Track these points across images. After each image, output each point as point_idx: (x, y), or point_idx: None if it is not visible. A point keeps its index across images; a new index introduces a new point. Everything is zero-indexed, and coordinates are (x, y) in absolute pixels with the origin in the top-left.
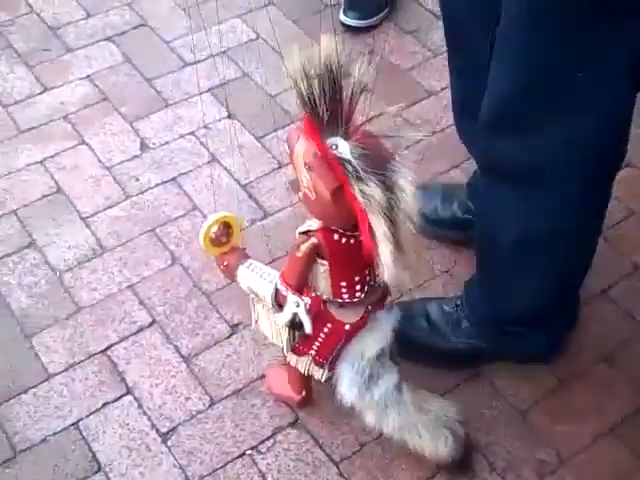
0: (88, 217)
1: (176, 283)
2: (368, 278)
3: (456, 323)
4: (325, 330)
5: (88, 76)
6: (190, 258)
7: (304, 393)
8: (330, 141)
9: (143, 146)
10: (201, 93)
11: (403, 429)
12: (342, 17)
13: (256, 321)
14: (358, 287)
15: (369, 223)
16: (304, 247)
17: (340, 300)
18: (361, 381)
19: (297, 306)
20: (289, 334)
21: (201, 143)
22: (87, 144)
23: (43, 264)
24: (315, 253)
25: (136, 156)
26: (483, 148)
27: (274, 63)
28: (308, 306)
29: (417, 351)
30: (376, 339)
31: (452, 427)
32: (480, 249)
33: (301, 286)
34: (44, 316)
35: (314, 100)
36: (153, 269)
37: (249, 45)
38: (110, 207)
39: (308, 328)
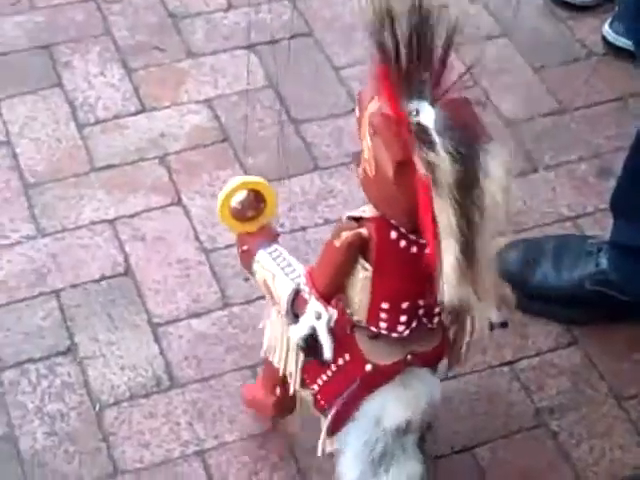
0: (161, 325)
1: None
2: (421, 311)
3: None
4: (340, 362)
5: (208, 99)
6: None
7: (278, 392)
8: (412, 105)
9: None
10: None
11: None
12: (606, 30)
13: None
14: (403, 318)
15: (434, 214)
16: (346, 235)
17: (375, 329)
18: (368, 458)
19: (318, 318)
20: (300, 362)
21: None
22: (184, 206)
23: (80, 386)
24: (359, 249)
25: None
26: None
27: None
28: (333, 322)
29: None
30: (403, 404)
31: None
32: None
33: (331, 291)
34: (61, 472)
35: (397, 46)
36: (241, 432)
37: None
38: (198, 315)
39: (327, 352)
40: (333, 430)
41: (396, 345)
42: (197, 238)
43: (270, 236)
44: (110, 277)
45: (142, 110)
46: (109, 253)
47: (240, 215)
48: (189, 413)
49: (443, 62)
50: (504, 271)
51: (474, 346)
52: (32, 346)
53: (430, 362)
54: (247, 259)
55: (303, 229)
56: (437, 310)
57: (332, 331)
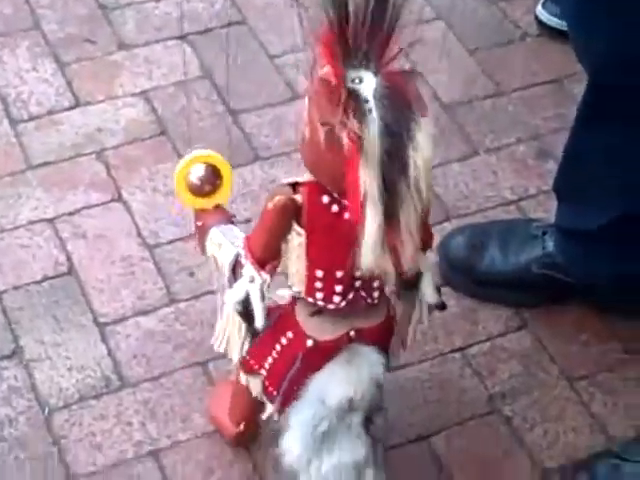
0: (108, 324)
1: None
2: (358, 283)
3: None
4: (283, 341)
5: (144, 92)
6: None
7: (242, 427)
8: (354, 73)
9: None
10: None
11: None
12: (539, 10)
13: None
14: (339, 288)
15: (359, 181)
16: (277, 199)
17: (311, 299)
18: (312, 436)
19: (251, 282)
20: (241, 331)
21: None
22: (125, 202)
23: (27, 390)
24: (293, 214)
25: None
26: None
27: None
28: (266, 286)
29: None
30: (345, 382)
31: None
32: None
33: (266, 256)
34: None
35: (348, 11)
36: (194, 430)
37: None
38: (144, 313)
39: (259, 318)
40: (281, 408)
41: (337, 321)
42: (139, 234)
43: (225, 215)
44: (53, 277)
45: (76, 105)
46: (50, 253)
47: (198, 190)
48: (141, 413)
49: (388, 34)
50: (450, 257)
51: (422, 334)
52: None
53: (375, 339)
54: (201, 234)
55: (247, 221)
56: (376, 285)
57: (265, 299)
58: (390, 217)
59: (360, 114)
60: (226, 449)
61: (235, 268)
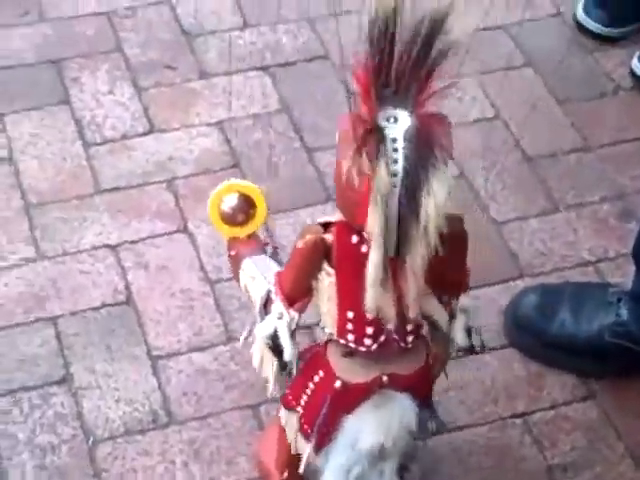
0: (161, 358)
1: None
2: (390, 326)
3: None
4: (315, 379)
5: (220, 122)
6: None
7: (285, 475)
8: (390, 111)
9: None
10: None
11: None
12: (635, 63)
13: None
14: (370, 330)
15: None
16: (307, 237)
17: (343, 341)
18: None
19: (280, 318)
20: (273, 365)
21: None
22: (190, 234)
23: (73, 418)
24: (322, 253)
25: None
26: None
27: None
28: (294, 324)
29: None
30: (377, 428)
31: None
32: None
33: (295, 293)
34: None
35: (393, 49)
36: (239, 475)
37: None
38: (199, 349)
39: (288, 354)
40: (317, 448)
41: (369, 364)
42: (202, 268)
43: (258, 245)
44: (110, 305)
45: (151, 131)
46: (111, 280)
47: (230, 219)
48: (185, 452)
49: (430, 74)
50: (519, 316)
51: (484, 394)
52: (26, 374)
53: (409, 386)
54: (235, 264)
55: None
56: (410, 329)
57: (296, 340)
58: (396, 257)
59: (379, 152)
60: None
61: (267, 303)
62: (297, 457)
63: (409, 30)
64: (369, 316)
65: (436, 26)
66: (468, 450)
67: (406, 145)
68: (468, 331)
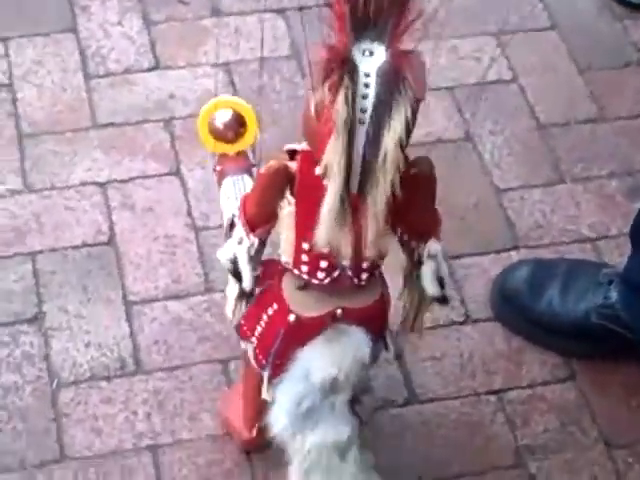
0: (136, 303)
1: None
2: (345, 262)
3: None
4: (269, 311)
5: (226, 63)
6: None
7: (254, 433)
8: (365, 45)
9: None
10: None
11: None
12: None
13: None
14: (324, 264)
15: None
16: (270, 164)
17: (297, 271)
18: (296, 412)
19: (239, 243)
20: (234, 291)
21: None
22: (182, 177)
23: (40, 360)
24: (284, 180)
25: None
26: None
27: None
28: (253, 250)
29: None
30: (328, 360)
31: None
32: None
33: (257, 219)
34: (4, 450)
35: None
36: (200, 431)
37: None
38: (176, 298)
39: (246, 280)
40: (271, 379)
41: (323, 298)
42: (189, 213)
43: (245, 164)
44: (91, 245)
45: (155, 67)
46: (94, 219)
47: (221, 135)
48: (149, 403)
49: (406, 5)
50: (507, 289)
51: (460, 368)
52: None
53: (363, 321)
54: (219, 180)
55: None
56: (365, 266)
57: (256, 264)
58: (359, 194)
59: (342, 83)
60: (227, 457)
61: (232, 226)
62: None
63: None
64: (324, 250)
65: None
66: (437, 423)
67: (377, 81)
68: (440, 281)
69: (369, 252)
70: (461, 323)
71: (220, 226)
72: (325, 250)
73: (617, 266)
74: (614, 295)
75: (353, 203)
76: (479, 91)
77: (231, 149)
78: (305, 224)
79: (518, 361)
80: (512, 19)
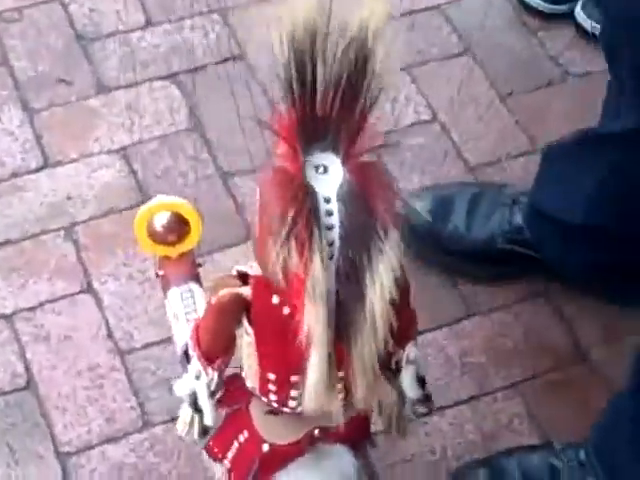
0: (70, 455)
1: None
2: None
3: None
4: (240, 438)
5: (123, 148)
6: None
7: None
8: (317, 158)
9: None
10: None
11: None
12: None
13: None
14: (294, 393)
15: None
16: (222, 293)
17: (266, 400)
18: None
19: (197, 378)
20: (194, 423)
21: None
22: (95, 294)
23: None
24: (239, 310)
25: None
26: None
27: None
28: (214, 384)
29: None
30: None
31: None
32: None
33: (212, 350)
34: None
35: (313, 77)
36: None
37: None
38: (113, 440)
39: (209, 418)
40: None
41: (297, 420)
42: (110, 335)
43: (190, 267)
44: (8, 392)
45: (44, 165)
46: (6, 360)
47: (161, 239)
48: None
49: (363, 114)
50: (415, 225)
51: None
52: None
53: (344, 436)
54: (163, 286)
55: None
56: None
57: (220, 398)
58: (343, 347)
59: (312, 239)
60: None
61: (187, 353)
62: None
63: (331, 65)
64: (294, 378)
65: (362, 54)
66: None
67: (340, 208)
68: (421, 381)
69: (362, 404)
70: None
71: (147, 345)
72: (297, 378)
73: (517, 185)
74: (518, 217)
75: (337, 354)
76: (398, 138)
77: (174, 252)
78: (268, 354)
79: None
80: (423, 47)
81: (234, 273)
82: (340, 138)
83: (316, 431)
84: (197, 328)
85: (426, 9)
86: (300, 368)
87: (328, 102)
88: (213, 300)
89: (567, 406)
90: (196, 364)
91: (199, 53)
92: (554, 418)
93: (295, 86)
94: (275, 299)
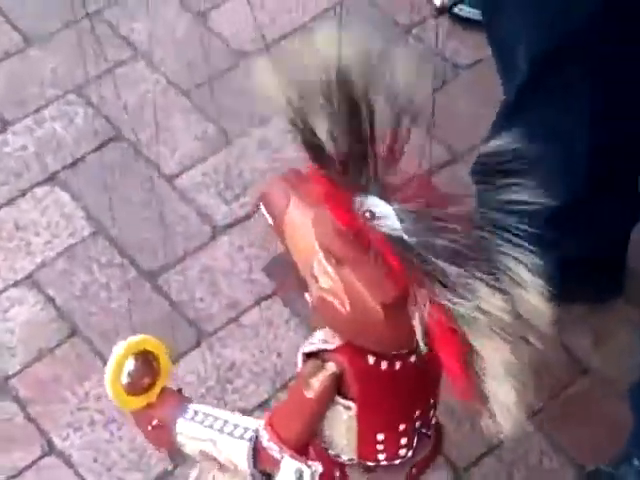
0: None
1: None
2: (418, 423)
3: None
4: None
5: (29, 276)
6: None
7: None
8: (361, 203)
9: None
10: None
11: None
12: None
13: None
14: (404, 441)
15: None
16: (319, 381)
17: (373, 464)
18: None
19: (300, 477)
20: None
21: None
22: (60, 453)
23: None
24: (336, 390)
25: None
26: None
27: None
28: (317, 476)
29: None
30: None
31: None
32: None
33: (305, 442)
34: None
35: (328, 136)
36: None
37: None
38: None
39: None
40: None
41: (396, 469)
42: None
43: (179, 398)
44: None
45: None
46: None
47: (136, 388)
48: None
49: (392, 144)
50: None
51: None
52: None
53: (428, 464)
54: (164, 435)
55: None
56: (432, 413)
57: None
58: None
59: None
60: None
61: (255, 460)
62: None
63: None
64: (401, 427)
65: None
66: None
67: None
68: None
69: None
70: None
71: None
72: (403, 425)
73: None
74: None
75: None
76: None
77: (153, 394)
78: (375, 416)
79: None
80: None
81: (302, 358)
82: (371, 174)
83: (413, 470)
84: (274, 426)
85: None
86: (408, 413)
87: (351, 146)
88: (310, 394)
89: (588, 424)
90: (292, 463)
91: (70, 144)
92: (580, 440)
93: (315, 142)
94: (371, 359)
